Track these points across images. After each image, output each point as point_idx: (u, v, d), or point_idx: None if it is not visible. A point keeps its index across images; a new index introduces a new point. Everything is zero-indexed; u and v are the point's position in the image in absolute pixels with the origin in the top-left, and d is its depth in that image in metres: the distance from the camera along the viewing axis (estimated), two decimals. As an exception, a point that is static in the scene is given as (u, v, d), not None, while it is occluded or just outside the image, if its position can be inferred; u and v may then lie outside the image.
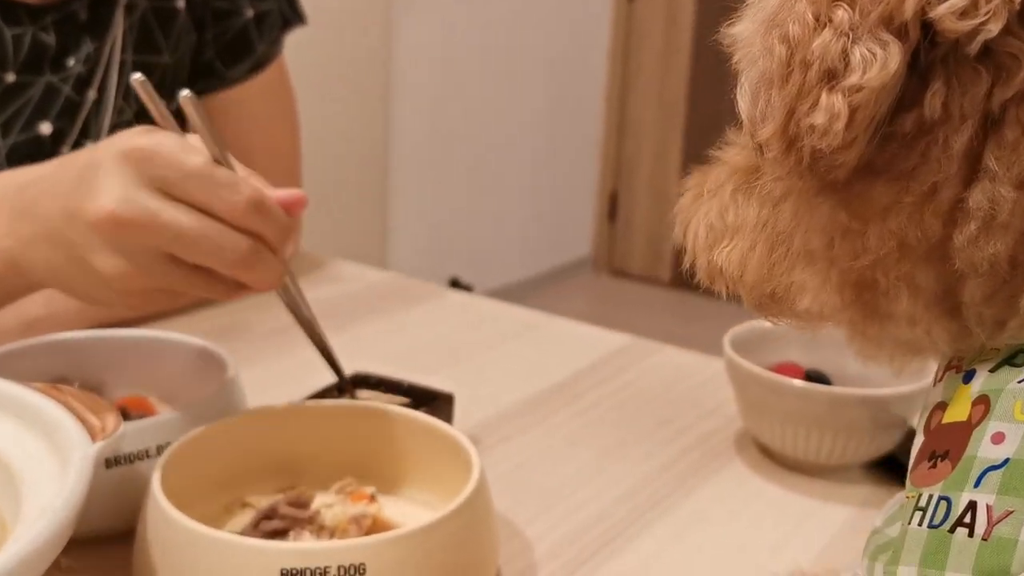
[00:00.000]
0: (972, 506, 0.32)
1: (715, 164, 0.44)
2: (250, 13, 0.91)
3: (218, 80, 0.91)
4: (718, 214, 0.42)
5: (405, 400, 0.65)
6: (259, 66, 0.92)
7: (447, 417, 0.67)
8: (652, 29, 3.41)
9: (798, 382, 0.64)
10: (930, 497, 0.33)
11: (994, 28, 0.30)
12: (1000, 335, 0.34)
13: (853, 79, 0.30)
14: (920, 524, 0.33)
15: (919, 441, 0.37)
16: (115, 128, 0.84)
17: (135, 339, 0.68)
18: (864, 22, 0.31)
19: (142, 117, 0.86)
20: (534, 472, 0.66)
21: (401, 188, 2.85)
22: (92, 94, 0.84)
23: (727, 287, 0.43)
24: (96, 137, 0.84)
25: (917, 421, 0.38)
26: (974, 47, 0.30)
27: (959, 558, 0.32)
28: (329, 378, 0.69)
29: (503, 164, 3.19)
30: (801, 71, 0.32)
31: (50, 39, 0.81)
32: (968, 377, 0.35)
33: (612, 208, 3.65)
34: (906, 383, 0.63)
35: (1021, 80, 0.30)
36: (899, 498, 0.41)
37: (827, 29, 0.31)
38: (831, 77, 0.31)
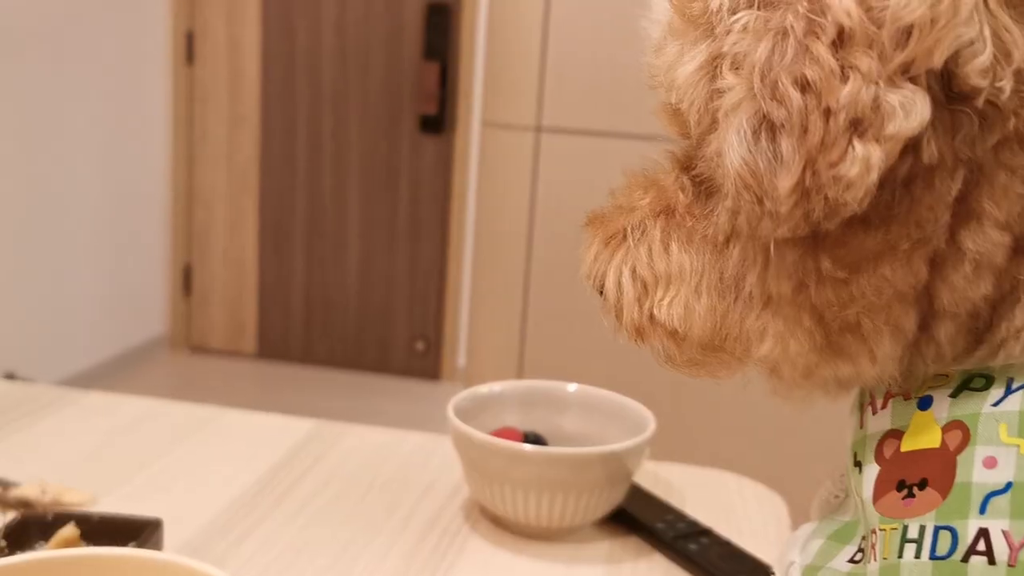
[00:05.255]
0: (984, 533, 0.32)
1: (617, 209, 0.41)
2: None
3: None
4: (645, 262, 0.39)
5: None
6: None
7: (157, 547, 0.56)
8: (216, 94, 3.30)
9: (542, 448, 0.63)
10: (922, 528, 0.33)
11: (1007, 88, 0.30)
12: (964, 362, 0.35)
13: (891, 128, 0.30)
14: (918, 556, 0.33)
15: (872, 470, 0.36)
16: None
17: None
18: (884, 69, 0.30)
19: None
20: (271, 592, 0.57)
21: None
22: None
23: (666, 343, 0.39)
24: None
25: (853, 454, 0.37)
26: (980, 101, 0.31)
27: None
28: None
29: (61, 243, 2.87)
30: (824, 119, 0.30)
31: None
32: (924, 404, 0.35)
33: (187, 281, 3.45)
34: (631, 437, 0.65)
35: (1002, 127, 0.32)
36: (805, 531, 0.40)
37: (854, 77, 0.30)
38: (856, 126, 0.30)
